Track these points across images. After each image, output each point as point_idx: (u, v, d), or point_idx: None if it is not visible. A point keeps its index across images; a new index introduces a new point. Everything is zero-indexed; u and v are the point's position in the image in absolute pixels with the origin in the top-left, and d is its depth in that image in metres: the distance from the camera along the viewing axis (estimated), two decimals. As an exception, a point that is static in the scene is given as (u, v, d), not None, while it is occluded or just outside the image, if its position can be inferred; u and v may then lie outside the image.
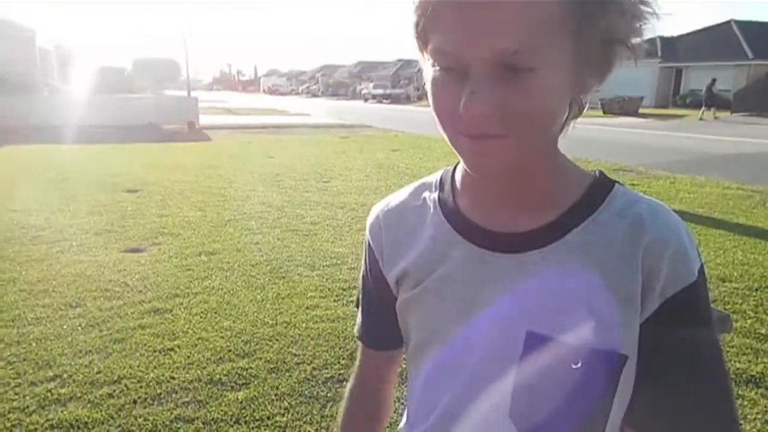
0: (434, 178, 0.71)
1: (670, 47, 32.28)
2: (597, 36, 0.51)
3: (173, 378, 2.69)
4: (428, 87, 0.56)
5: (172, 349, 2.98)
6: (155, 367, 2.79)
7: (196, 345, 3.02)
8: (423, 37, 0.55)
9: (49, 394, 2.54)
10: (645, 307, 0.56)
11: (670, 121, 22.17)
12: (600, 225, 0.58)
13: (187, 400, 2.52)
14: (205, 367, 2.78)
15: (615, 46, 0.53)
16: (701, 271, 0.57)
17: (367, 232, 0.74)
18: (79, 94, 20.27)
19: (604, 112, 26.74)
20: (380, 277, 0.72)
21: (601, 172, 0.64)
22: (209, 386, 2.62)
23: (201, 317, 3.38)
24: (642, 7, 0.52)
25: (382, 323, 0.75)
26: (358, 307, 0.80)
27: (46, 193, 6.93)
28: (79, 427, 2.31)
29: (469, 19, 0.49)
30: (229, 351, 2.96)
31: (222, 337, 3.11)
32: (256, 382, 2.65)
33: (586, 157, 10.69)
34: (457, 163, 0.67)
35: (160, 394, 2.57)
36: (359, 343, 0.82)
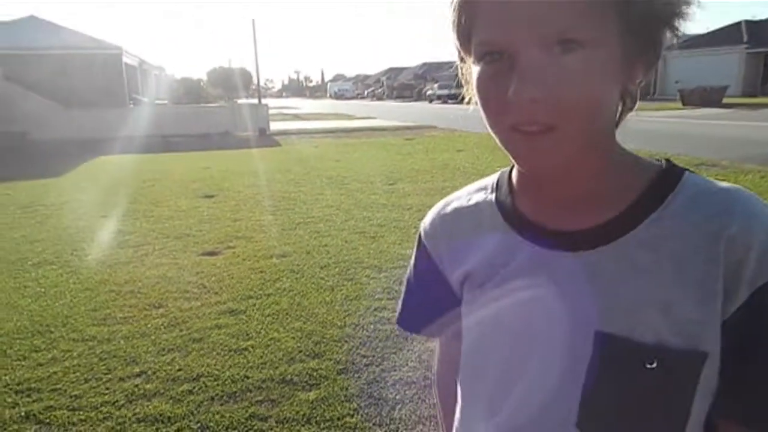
0: (491, 179, 0.70)
1: (757, 32, 30.02)
2: (644, 17, 0.51)
3: (248, 377, 2.80)
4: (474, 83, 0.55)
5: (246, 349, 3.10)
6: (231, 366, 2.91)
7: (268, 345, 3.13)
8: (466, 34, 0.54)
9: (135, 389, 2.71)
10: (730, 299, 0.52)
11: (759, 110, 20.58)
12: (670, 217, 0.55)
13: (260, 398, 2.61)
14: (277, 367, 2.87)
15: (661, 29, 0.53)
16: None
17: (423, 237, 0.75)
18: (161, 106, 21.53)
19: (683, 104, 25.25)
20: (441, 279, 0.72)
21: (669, 161, 0.60)
22: (281, 386, 2.70)
23: (273, 318, 3.50)
24: None
25: (440, 312, 0.75)
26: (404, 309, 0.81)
27: (133, 200, 7.41)
28: (162, 422, 2.44)
29: (514, 4, 0.49)
30: (300, 351, 3.04)
31: (293, 338, 3.20)
32: (326, 383, 2.71)
33: (665, 151, 10.15)
34: (510, 167, 0.67)
35: (236, 392, 2.67)
36: (440, 341, 0.85)
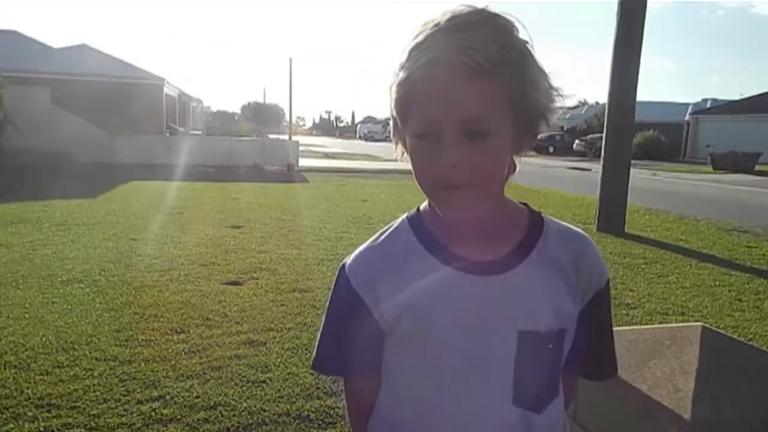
0: (400, 225, 0.85)
1: (793, 100, 29.81)
2: (527, 111, 0.72)
3: (264, 410, 2.79)
4: (410, 151, 0.75)
5: (264, 382, 3.09)
6: (248, 398, 2.90)
7: (287, 379, 3.12)
8: (404, 112, 0.73)
9: (153, 413, 2.72)
10: (585, 297, 0.82)
11: (793, 179, 20.22)
12: (549, 245, 0.81)
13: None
14: (294, 402, 2.85)
15: (538, 118, 0.75)
16: (608, 280, 0.86)
17: (349, 277, 0.83)
18: (195, 137, 22.15)
19: (714, 168, 24.96)
20: (368, 317, 0.81)
21: (526, 204, 0.86)
22: (297, 422, 2.68)
23: (292, 352, 3.49)
24: (553, 91, 0.73)
25: (366, 354, 0.85)
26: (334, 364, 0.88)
27: (162, 225, 7.57)
28: (177, 449, 2.44)
29: (442, 96, 0.68)
30: (318, 388, 3.02)
31: (311, 374, 3.18)
32: (342, 423, 2.67)
33: (694, 214, 10.01)
34: (416, 210, 0.85)
35: (252, 424, 2.66)
36: (353, 381, 0.90)
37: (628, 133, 8.58)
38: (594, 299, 0.83)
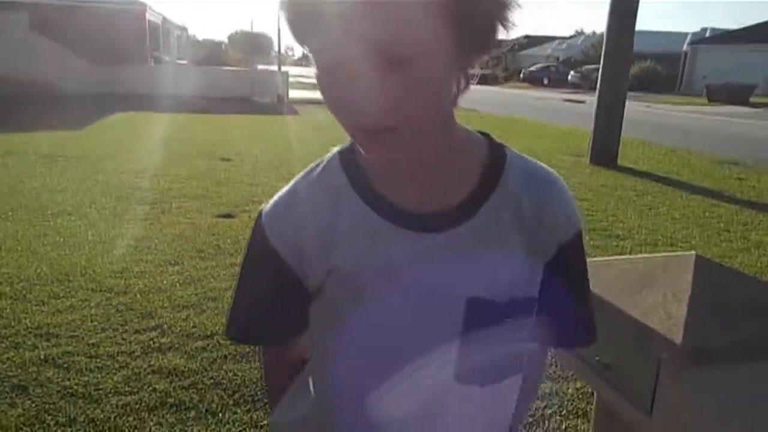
0: (330, 163, 0.69)
1: (794, 30, 29.17)
2: (476, 22, 0.54)
3: (260, 338, 2.84)
4: (317, 82, 0.57)
5: (259, 311, 3.14)
6: (244, 327, 2.96)
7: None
8: (301, 36, 0.55)
9: (151, 342, 2.77)
10: (548, 252, 0.68)
11: (787, 112, 20.13)
12: (507, 194, 0.66)
13: (272, 360, 2.65)
14: (289, 331, 2.91)
15: (491, 26, 0.56)
16: (581, 232, 0.71)
17: (267, 232, 0.68)
18: (181, 66, 21.46)
19: (709, 100, 24.75)
20: (289, 277, 0.68)
21: (487, 135, 0.70)
22: (293, 349, 2.74)
23: (287, 283, 3.53)
24: None
25: (288, 320, 0.73)
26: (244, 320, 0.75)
27: (151, 158, 7.45)
28: (176, 375, 2.50)
29: (347, 19, 0.49)
30: (313, 318, 3.07)
31: (306, 304, 3.23)
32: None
33: (686, 146, 10.00)
34: (350, 144, 0.68)
35: (248, 352, 2.72)
36: (272, 348, 0.81)
37: (625, 63, 8.40)
38: (557, 254, 0.68)
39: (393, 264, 0.64)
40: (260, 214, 0.70)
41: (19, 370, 2.47)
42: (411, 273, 0.64)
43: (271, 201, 0.70)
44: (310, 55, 0.56)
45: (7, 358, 2.56)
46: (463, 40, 0.54)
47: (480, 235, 0.64)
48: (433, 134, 0.61)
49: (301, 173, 0.72)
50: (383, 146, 0.57)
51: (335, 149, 0.71)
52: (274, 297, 0.71)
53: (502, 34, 0.58)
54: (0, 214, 4.71)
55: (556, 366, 2.67)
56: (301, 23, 0.54)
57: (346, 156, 0.69)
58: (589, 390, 2.44)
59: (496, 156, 0.68)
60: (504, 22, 0.56)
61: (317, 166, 0.71)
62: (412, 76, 0.52)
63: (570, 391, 2.51)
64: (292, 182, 0.71)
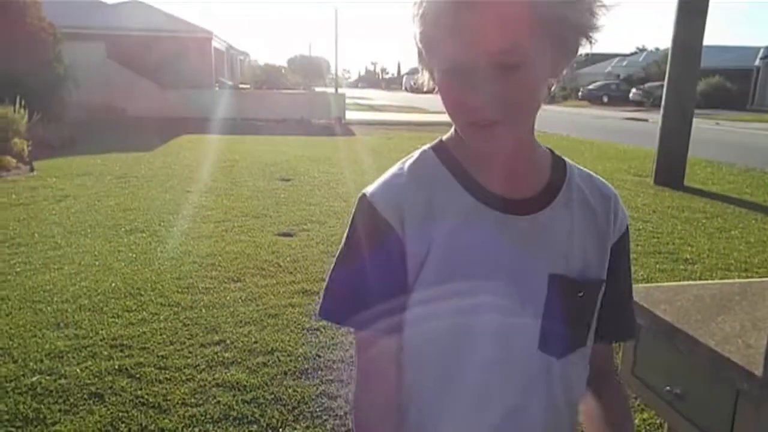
0: (423, 155, 0.77)
1: None
2: (568, 31, 0.66)
3: (319, 356, 2.90)
4: (438, 86, 0.69)
5: (318, 329, 3.20)
6: (303, 344, 3.02)
7: (339, 328, 3.21)
8: (429, 45, 0.68)
9: (215, 356, 2.87)
10: (612, 240, 0.78)
11: None
12: (575, 186, 0.77)
13: (331, 378, 2.69)
14: (347, 350, 2.95)
15: (578, 39, 0.68)
16: (628, 227, 0.82)
17: (380, 211, 0.72)
18: (243, 90, 22.36)
19: (786, 117, 23.28)
20: (398, 256, 0.71)
21: (550, 149, 0.80)
22: (351, 367, 2.77)
23: (344, 302, 3.58)
24: (597, 5, 0.66)
25: (396, 306, 0.73)
26: (354, 307, 0.74)
27: (214, 178, 7.78)
28: (239, 389, 2.58)
29: (471, 27, 0.62)
30: (370, 337, 3.10)
31: (363, 323, 3.27)
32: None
33: (761, 166, 9.46)
34: (439, 141, 0.78)
35: (308, 369, 2.77)
36: (370, 338, 0.75)
37: (691, 80, 8.08)
38: (619, 241, 0.79)
39: (486, 239, 0.72)
40: (363, 195, 0.75)
41: (96, 379, 2.62)
42: (500, 249, 0.72)
43: (373, 184, 0.76)
44: (434, 60, 0.68)
45: (86, 367, 2.72)
46: (556, 50, 0.66)
47: (557, 221, 0.74)
48: (525, 130, 0.73)
49: (394, 167, 0.77)
50: (490, 138, 0.68)
51: (424, 147, 0.79)
52: (382, 270, 0.72)
53: (585, 48, 0.69)
54: (80, 230, 5.04)
55: (621, 394, 2.57)
56: (434, 32, 0.66)
57: (439, 150, 0.77)
58: (659, 421, 2.34)
59: (557, 157, 0.80)
60: (589, 36, 0.68)
61: (407, 160, 0.77)
62: (519, 79, 0.64)
63: (637, 422, 2.41)
64: (387, 173, 0.77)
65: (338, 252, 0.77)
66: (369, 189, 0.75)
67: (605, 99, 32.96)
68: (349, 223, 0.76)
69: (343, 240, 0.77)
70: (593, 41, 0.68)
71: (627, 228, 0.81)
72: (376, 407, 0.77)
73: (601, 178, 0.82)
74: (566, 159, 0.80)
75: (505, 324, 0.73)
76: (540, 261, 0.73)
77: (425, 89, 0.76)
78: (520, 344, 0.74)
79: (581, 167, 0.81)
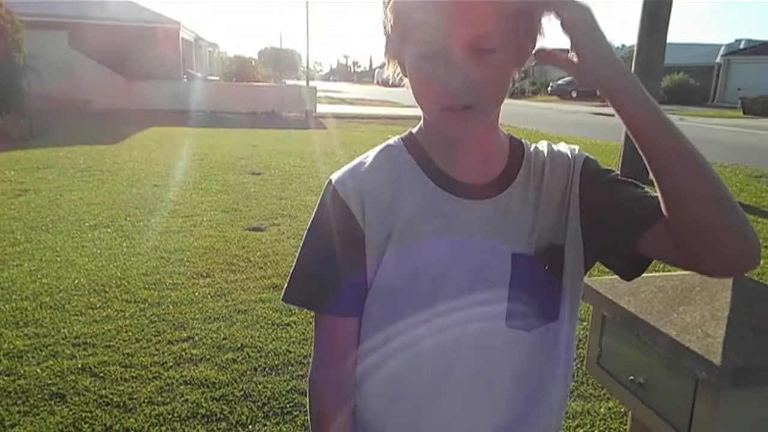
0: (392, 145, 0.81)
1: (835, 41, 28.29)
2: (531, 19, 0.68)
3: (290, 351, 2.87)
4: (411, 72, 0.71)
5: (288, 324, 3.17)
6: (274, 340, 2.99)
7: (310, 323, 3.19)
8: (404, 30, 0.69)
9: (183, 353, 2.82)
10: (573, 190, 0.77)
11: (828, 125, 19.48)
12: (531, 164, 0.79)
13: (301, 373, 2.67)
14: (318, 344, 2.93)
15: (537, 35, 0.71)
16: (588, 157, 0.80)
17: (342, 195, 0.75)
18: (212, 82, 21.97)
19: (744, 113, 24.14)
20: (357, 242, 0.75)
21: (508, 133, 0.83)
22: (322, 363, 2.76)
23: (315, 297, 3.56)
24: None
25: (355, 290, 0.77)
26: (313, 285, 0.79)
27: (183, 171, 7.63)
28: (208, 386, 2.54)
29: (449, 13, 0.64)
30: (341, 331, 3.09)
31: (334, 318, 3.25)
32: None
33: (721, 161, 9.76)
34: (409, 133, 0.81)
35: (278, 365, 2.75)
36: (328, 320, 0.79)
37: (655, 77, 8.28)
38: (585, 180, 0.77)
39: (447, 224, 0.75)
40: (329, 180, 0.79)
41: (58, 379, 2.55)
42: (462, 233, 0.75)
43: (339, 171, 0.79)
44: (409, 45, 0.69)
45: (47, 367, 2.64)
46: (521, 42, 0.69)
47: (515, 201, 0.77)
48: (493, 116, 0.75)
49: (364, 154, 0.81)
50: (461, 121, 0.70)
51: (394, 137, 0.82)
52: (341, 255, 0.76)
53: (554, 43, 0.71)
54: (41, 226, 4.88)
55: (587, 385, 2.63)
56: (410, 18, 0.67)
57: (407, 140, 0.81)
58: (623, 410, 2.39)
59: (515, 140, 0.82)
60: (542, 32, 0.71)
61: (375, 149, 0.81)
62: (493, 64, 0.67)
63: (602, 410, 2.46)
64: (355, 160, 0.80)
65: (304, 236, 0.80)
66: (335, 175, 0.79)
67: (574, 94, 33.46)
68: (316, 207, 0.79)
69: (309, 223, 0.80)
70: (542, 36, 0.71)
71: (586, 157, 0.80)
72: (329, 388, 0.81)
73: (563, 143, 0.83)
74: (524, 141, 0.83)
75: (469, 304, 0.75)
76: (502, 242, 0.75)
77: (391, 82, 0.78)
78: (487, 322, 0.76)
79: (545, 142, 0.83)
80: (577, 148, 0.82)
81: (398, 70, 0.76)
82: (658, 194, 0.69)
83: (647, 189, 0.76)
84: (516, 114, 19.26)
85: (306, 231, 0.80)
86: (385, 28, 0.72)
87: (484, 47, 0.65)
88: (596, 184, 0.77)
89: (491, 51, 0.66)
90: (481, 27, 0.65)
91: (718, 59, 34.58)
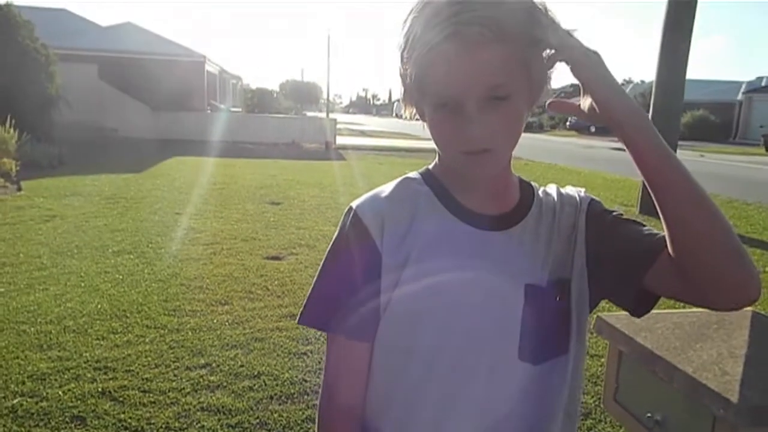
0: (410, 177, 0.85)
1: None
2: (541, 66, 0.73)
3: (305, 380, 2.88)
4: (430, 121, 0.76)
5: (305, 353, 3.19)
6: (290, 368, 3.01)
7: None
8: (423, 84, 0.73)
9: (201, 380, 2.85)
10: (579, 228, 0.81)
11: None
12: (542, 202, 0.83)
13: (317, 403, 2.67)
14: (334, 375, 2.94)
15: (547, 82, 0.75)
16: (594, 199, 0.85)
17: (364, 220, 0.78)
18: (235, 114, 22.48)
19: (766, 150, 23.86)
20: (374, 266, 0.77)
21: (518, 176, 0.87)
22: (337, 393, 2.76)
23: (332, 327, 3.58)
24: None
25: (369, 314, 0.78)
26: (333, 307, 0.80)
27: (204, 200, 7.78)
28: (224, 413, 2.56)
29: (465, 69, 0.68)
30: (357, 362, 3.09)
31: (350, 348, 3.26)
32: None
33: (744, 198, 9.65)
34: (426, 168, 0.85)
35: (294, 393, 2.76)
36: (341, 342, 0.81)
37: (675, 113, 8.30)
38: (590, 220, 0.81)
39: (462, 252, 0.78)
40: (350, 207, 0.82)
41: (79, 402, 2.59)
42: (476, 263, 0.77)
43: (359, 199, 0.83)
44: (428, 97, 0.74)
45: (69, 390, 2.68)
46: (532, 87, 0.74)
47: (528, 234, 0.80)
48: (508, 156, 0.80)
49: (384, 185, 0.85)
50: (481, 164, 0.74)
51: (411, 173, 0.86)
52: (359, 278, 0.78)
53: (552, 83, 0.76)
54: (66, 251, 5.01)
55: (605, 423, 2.59)
56: (428, 73, 0.71)
57: (425, 173, 0.85)
58: (642, 449, 2.35)
59: (524, 181, 0.87)
60: (549, 80, 0.75)
61: (396, 180, 0.85)
62: (508, 110, 0.71)
63: (621, 449, 2.42)
64: (375, 189, 0.84)
65: (323, 261, 0.83)
66: (356, 202, 0.82)
67: (593, 129, 33.48)
68: (336, 232, 0.82)
69: (328, 248, 0.83)
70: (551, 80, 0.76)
71: (592, 198, 0.85)
72: (339, 412, 0.83)
73: (570, 186, 0.88)
74: (533, 183, 0.88)
75: (483, 334, 0.77)
76: (516, 272, 0.78)
77: (409, 118, 0.83)
78: (499, 352, 0.77)
79: (553, 185, 0.88)
80: (583, 190, 0.87)
81: (415, 112, 0.79)
82: (663, 225, 0.72)
83: (651, 228, 0.80)
84: (537, 148, 19.30)
85: (325, 255, 0.82)
86: (402, 77, 0.76)
87: (499, 95, 0.70)
88: (601, 223, 0.81)
89: (506, 97, 0.70)
90: (495, 78, 0.69)
91: (740, 96, 34.44)
